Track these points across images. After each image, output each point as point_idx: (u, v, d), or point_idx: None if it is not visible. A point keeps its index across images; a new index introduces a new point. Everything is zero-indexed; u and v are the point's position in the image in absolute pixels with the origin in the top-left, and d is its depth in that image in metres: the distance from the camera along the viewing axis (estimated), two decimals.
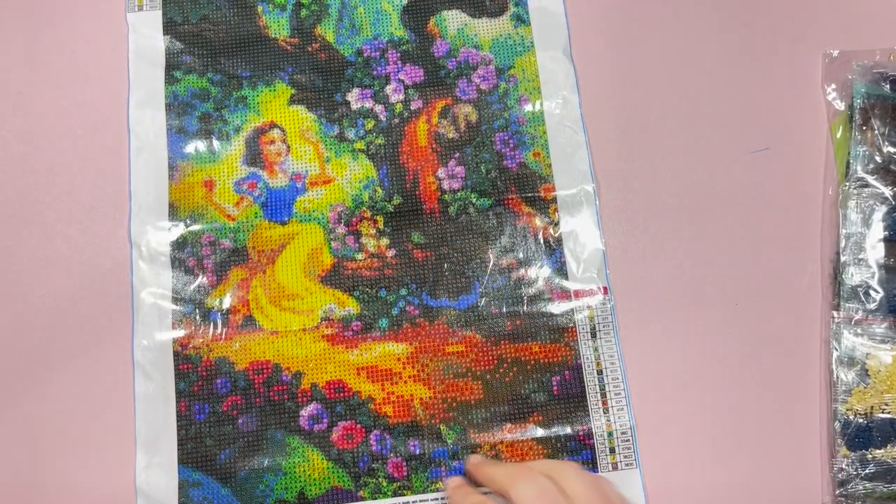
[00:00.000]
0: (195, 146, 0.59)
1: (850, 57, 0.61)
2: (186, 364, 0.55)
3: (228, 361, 0.55)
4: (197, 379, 0.54)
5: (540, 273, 0.57)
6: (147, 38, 0.61)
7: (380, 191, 0.58)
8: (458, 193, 0.58)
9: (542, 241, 0.57)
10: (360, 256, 0.57)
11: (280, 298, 0.56)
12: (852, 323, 0.56)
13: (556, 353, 0.55)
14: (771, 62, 0.61)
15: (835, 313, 0.57)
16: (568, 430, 0.54)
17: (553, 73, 0.60)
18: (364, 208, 0.58)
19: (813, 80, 0.61)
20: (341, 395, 0.54)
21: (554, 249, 0.57)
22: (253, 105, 0.59)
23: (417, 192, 0.58)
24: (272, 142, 0.59)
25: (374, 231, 0.57)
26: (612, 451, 0.54)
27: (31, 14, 0.62)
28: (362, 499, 0.53)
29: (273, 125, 0.59)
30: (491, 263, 0.57)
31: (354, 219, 0.58)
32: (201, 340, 0.55)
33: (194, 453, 0.53)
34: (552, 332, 0.56)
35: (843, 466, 0.54)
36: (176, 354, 0.55)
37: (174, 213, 0.57)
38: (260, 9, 0.61)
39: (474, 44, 0.61)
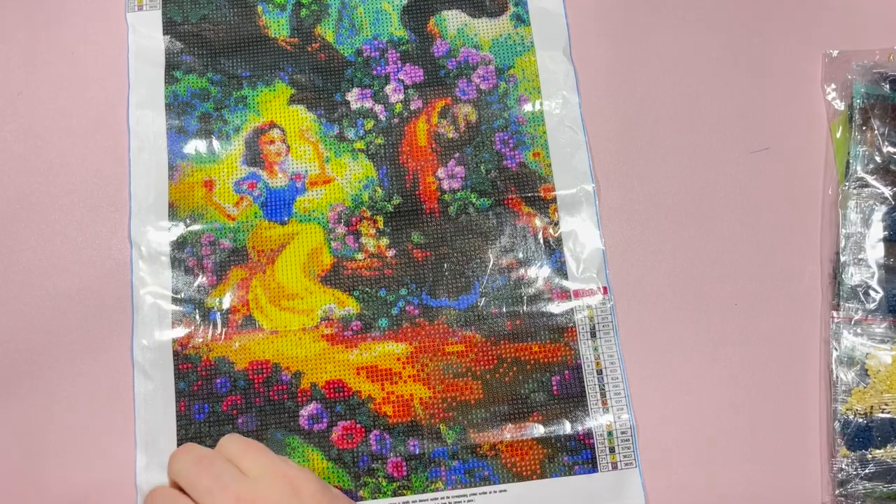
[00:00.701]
0: (195, 146, 0.59)
1: (850, 57, 0.61)
2: (186, 364, 0.55)
3: (228, 361, 0.55)
4: (197, 379, 0.54)
5: (540, 273, 0.57)
6: (147, 37, 0.61)
7: (379, 191, 0.58)
8: (458, 193, 0.58)
9: (541, 240, 0.57)
10: (359, 256, 0.57)
11: (280, 298, 0.56)
12: (852, 323, 0.56)
13: (556, 353, 0.55)
14: (771, 62, 0.61)
15: (835, 313, 0.57)
16: (568, 429, 0.54)
17: (553, 73, 0.60)
18: (364, 208, 0.58)
19: (813, 80, 0.61)
20: (341, 394, 0.54)
21: (553, 249, 0.57)
22: (253, 105, 0.59)
23: (417, 192, 0.58)
24: (272, 142, 0.59)
25: (374, 231, 0.57)
26: (612, 450, 0.54)
27: (32, 14, 0.62)
28: (362, 498, 0.53)
29: (273, 125, 0.59)
30: (491, 263, 0.57)
31: (354, 219, 0.58)
32: (201, 340, 0.55)
33: None
34: (552, 332, 0.56)
35: (843, 466, 0.54)
36: (176, 354, 0.55)
37: (174, 212, 0.57)
38: (260, 9, 0.61)
39: (474, 44, 0.61)
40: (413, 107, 0.60)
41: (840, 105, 0.60)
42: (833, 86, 0.61)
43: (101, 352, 0.55)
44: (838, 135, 0.60)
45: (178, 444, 0.53)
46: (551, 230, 0.58)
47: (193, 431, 0.53)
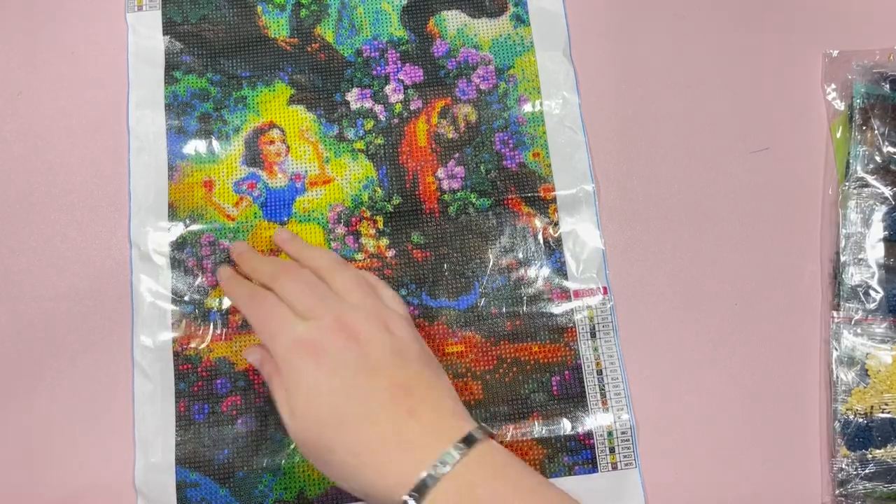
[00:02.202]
0: (195, 146, 0.59)
1: (850, 57, 0.60)
2: (186, 364, 0.55)
3: (228, 362, 0.55)
4: (197, 379, 0.54)
5: (539, 273, 0.57)
6: (147, 38, 0.61)
7: (379, 191, 0.58)
8: (458, 193, 0.58)
9: (541, 241, 0.57)
10: (359, 257, 0.57)
11: None
12: (852, 323, 0.56)
13: (556, 354, 0.55)
14: (771, 62, 0.61)
15: (835, 313, 0.57)
16: (568, 429, 0.54)
17: (553, 74, 0.60)
18: (363, 208, 0.58)
19: (813, 80, 0.61)
20: None
21: (553, 249, 0.57)
22: (252, 105, 0.59)
23: (417, 193, 0.58)
24: (272, 142, 0.59)
25: (374, 231, 0.57)
26: (612, 450, 0.54)
27: (32, 14, 0.62)
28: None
29: (272, 125, 0.59)
30: (490, 264, 0.57)
31: (354, 219, 0.58)
32: (201, 341, 0.55)
33: (193, 454, 0.53)
34: (552, 333, 0.56)
35: (843, 466, 0.54)
36: (176, 355, 0.55)
37: (174, 213, 0.57)
38: (259, 9, 0.61)
39: (474, 44, 0.61)
40: (413, 107, 0.60)
41: (840, 105, 0.60)
42: (833, 86, 0.61)
43: (101, 352, 0.55)
44: (838, 135, 0.60)
45: (178, 445, 0.53)
46: (551, 230, 0.58)
47: (193, 432, 0.53)
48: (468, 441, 0.41)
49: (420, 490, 0.39)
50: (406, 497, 0.39)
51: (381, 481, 0.41)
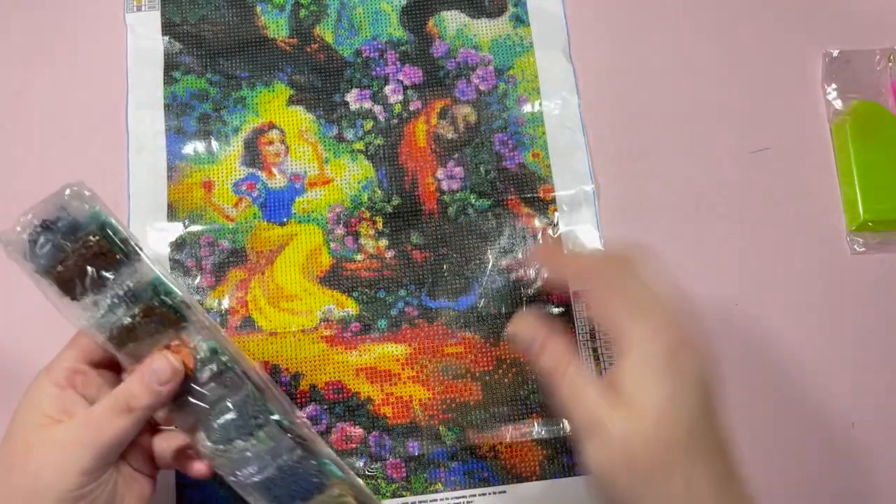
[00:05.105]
0: (194, 147, 0.59)
1: (850, 57, 0.60)
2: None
3: None
4: None
5: (539, 274, 0.57)
6: (146, 38, 0.60)
7: (379, 191, 0.58)
8: (457, 194, 0.58)
9: (541, 241, 0.57)
10: (358, 257, 0.57)
11: (279, 299, 0.56)
12: None
13: None
14: (771, 62, 0.61)
15: None
16: (567, 430, 0.54)
17: (552, 74, 0.60)
18: (363, 209, 0.58)
19: (813, 80, 0.61)
20: (340, 396, 0.54)
21: None
22: (252, 106, 0.59)
23: (416, 193, 0.58)
24: (271, 142, 0.59)
25: (373, 232, 0.57)
26: None
27: (32, 14, 0.62)
28: None
29: (272, 126, 0.59)
30: (490, 264, 0.57)
31: (353, 219, 0.57)
32: None
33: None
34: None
35: None
36: None
37: (173, 213, 0.57)
38: (259, 9, 0.61)
39: (473, 44, 0.61)
40: (412, 107, 0.60)
41: (840, 105, 0.60)
42: (833, 86, 0.61)
43: None
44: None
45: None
46: (550, 231, 0.57)
47: None
48: None
49: None
50: None
51: None
